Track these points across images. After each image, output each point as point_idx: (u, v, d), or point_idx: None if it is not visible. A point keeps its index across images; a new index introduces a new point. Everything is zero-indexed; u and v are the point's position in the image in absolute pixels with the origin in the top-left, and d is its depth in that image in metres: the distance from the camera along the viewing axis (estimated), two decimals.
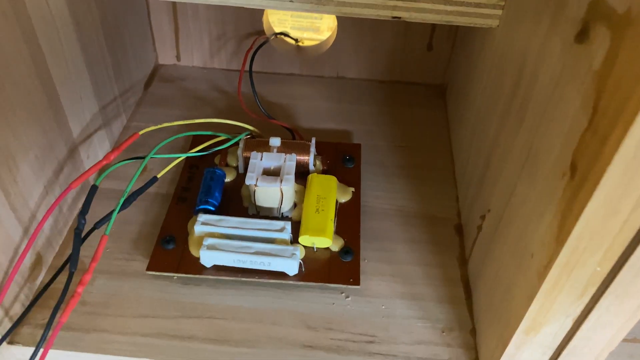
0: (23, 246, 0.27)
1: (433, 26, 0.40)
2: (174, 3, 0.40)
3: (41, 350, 0.25)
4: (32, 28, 0.26)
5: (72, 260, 0.27)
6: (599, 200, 0.17)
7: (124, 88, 0.38)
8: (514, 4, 0.26)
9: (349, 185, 0.34)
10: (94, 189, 0.28)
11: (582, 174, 0.17)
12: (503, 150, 0.26)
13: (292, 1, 0.28)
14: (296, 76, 0.43)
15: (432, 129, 0.39)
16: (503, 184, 0.26)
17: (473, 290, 0.30)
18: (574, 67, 0.19)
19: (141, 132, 0.31)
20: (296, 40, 0.42)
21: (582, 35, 0.18)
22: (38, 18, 0.27)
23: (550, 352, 0.23)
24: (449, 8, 0.27)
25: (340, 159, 0.35)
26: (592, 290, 0.20)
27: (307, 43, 0.43)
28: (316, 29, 0.44)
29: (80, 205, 0.33)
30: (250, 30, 0.41)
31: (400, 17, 0.28)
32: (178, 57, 0.43)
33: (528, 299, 0.21)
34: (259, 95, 0.37)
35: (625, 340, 0.28)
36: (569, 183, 0.18)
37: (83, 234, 0.28)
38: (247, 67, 0.38)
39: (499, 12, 0.28)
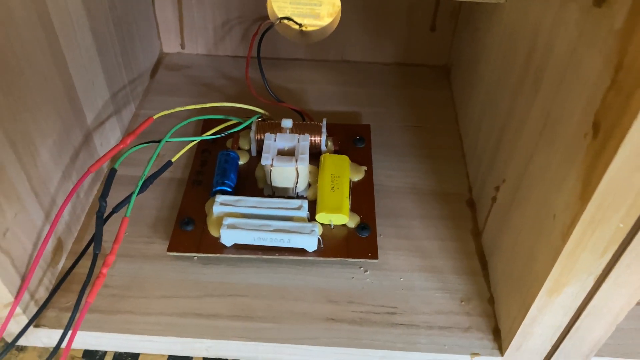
0: (45, 231, 0.27)
1: (436, 7, 0.40)
2: None
3: (69, 332, 0.25)
4: (48, 14, 0.27)
5: (96, 242, 0.27)
6: (624, 155, 0.17)
7: (132, 76, 0.38)
8: None
9: (361, 165, 0.34)
10: (113, 172, 0.29)
11: (605, 132, 0.18)
12: (518, 121, 0.27)
13: None
14: (301, 61, 0.44)
15: (439, 108, 0.40)
16: (519, 153, 0.26)
17: (488, 261, 0.30)
18: (593, 31, 0.19)
19: (155, 117, 0.32)
20: (300, 25, 0.42)
21: None
22: (53, 4, 0.27)
23: (571, 313, 0.24)
24: None
25: (351, 140, 0.36)
26: (614, 247, 0.21)
27: (310, 28, 0.43)
28: (316, 15, 0.45)
29: (94, 191, 0.33)
30: (255, 17, 0.42)
31: None
32: (182, 45, 0.43)
33: (552, 260, 0.22)
34: (266, 80, 0.37)
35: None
36: (591, 143, 0.19)
37: (104, 217, 0.28)
38: (254, 53, 0.38)
39: None
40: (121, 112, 0.36)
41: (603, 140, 0.18)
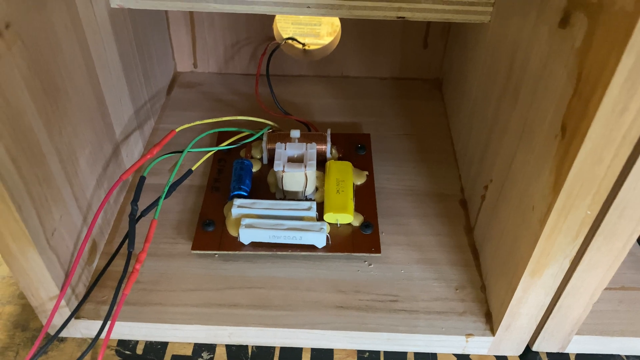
0: (84, 232, 0.31)
1: (427, 26, 0.44)
2: (192, 15, 0.44)
3: (109, 322, 0.28)
4: (84, 39, 0.30)
5: (130, 241, 0.30)
6: (586, 151, 0.21)
7: (152, 93, 0.41)
8: (503, 1, 0.30)
9: (363, 170, 0.38)
10: (142, 179, 0.32)
11: (571, 132, 0.22)
12: (501, 127, 0.30)
13: (309, 7, 0.32)
14: (305, 77, 0.47)
15: (432, 118, 0.44)
16: (503, 155, 0.30)
17: (480, 253, 0.34)
18: (559, 48, 0.23)
19: (177, 130, 0.35)
20: (303, 44, 0.46)
21: (565, 22, 0.22)
22: (89, 30, 0.30)
23: (552, 293, 0.27)
24: (447, 7, 0.32)
25: (353, 148, 0.39)
26: (584, 231, 0.24)
27: (312, 47, 0.47)
28: (316, 35, 0.48)
29: (122, 198, 0.37)
30: (262, 37, 0.45)
31: (404, 17, 0.32)
32: (195, 65, 0.47)
33: (532, 245, 0.25)
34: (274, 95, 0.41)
35: (614, 288, 0.32)
36: (560, 142, 0.22)
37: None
38: (262, 71, 0.42)
39: (490, 8, 0.32)
40: (143, 126, 0.40)
41: (569, 140, 0.22)
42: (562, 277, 0.26)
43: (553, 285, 0.27)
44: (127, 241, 0.31)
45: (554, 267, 0.26)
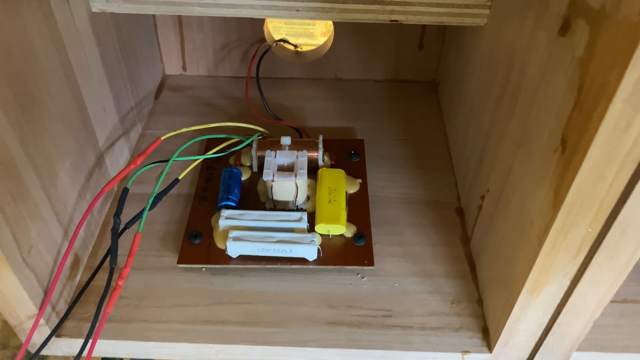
0: (64, 247, 0.30)
1: (423, 27, 0.43)
2: (180, 17, 0.42)
3: (90, 340, 0.27)
4: (63, 45, 0.29)
5: (112, 256, 0.29)
6: (587, 167, 0.20)
7: (138, 98, 0.40)
8: (500, 4, 0.29)
9: (356, 177, 0.36)
10: (126, 190, 0.31)
11: (571, 147, 0.20)
12: (498, 135, 0.29)
13: (298, 10, 0.30)
14: (297, 80, 0.46)
15: (428, 122, 0.42)
16: (500, 165, 0.28)
17: (476, 265, 0.32)
18: (559, 57, 0.22)
19: (163, 138, 0.34)
20: (295, 46, 0.44)
21: (565, 29, 0.21)
22: (68, 36, 0.29)
23: (551, 311, 0.26)
24: (441, 10, 0.30)
25: (346, 154, 0.38)
26: (585, 249, 0.23)
27: (305, 48, 0.45)
28: (310, 35, 0.47)
29: (106, 209, 0.35)
30: (253, 39, 0.44)
31: (397, 20, 0.31)
32: (184, 68, 0.46)
33: (530, 262, 0.24)
34: (264, 99, 0.40)
35: (616, 301, 0.31)
36: (560, 157, 0.21)
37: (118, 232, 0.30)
38: (252, 74, 0.41)
39: (487, 11, 0.31)
40: (129, 133, 0.39)
41: (570, 155, 0.20)
42: (562, 294, 0.25)
43: (552, 302, 0.26)
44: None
45: (553, 284, 0.25)
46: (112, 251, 0.29)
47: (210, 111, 0.43)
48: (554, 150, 0.22)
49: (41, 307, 0.27)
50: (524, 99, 0.26)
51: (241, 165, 0.37)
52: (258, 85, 0.40)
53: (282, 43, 0.44)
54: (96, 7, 0.31)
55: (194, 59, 0.45)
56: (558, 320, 0.27)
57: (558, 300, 0.26)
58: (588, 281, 0.24)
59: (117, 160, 0.37)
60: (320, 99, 0.44)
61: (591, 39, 0.19)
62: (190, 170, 0.36)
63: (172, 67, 0.46)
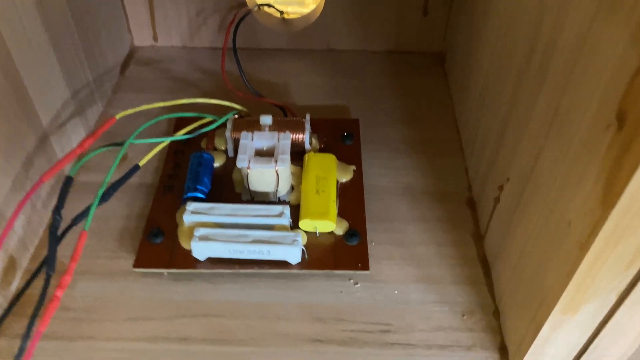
0: None
1: None
2: None
3: None
4: None
5: (48, 262, 0.24)
6: None
7: (98, 73, 0.35)
8: None
9: (349, 164, 0.31)
10: (68, 180, 0.26)
11: (633, 122, 0.15)
12: (522, 111, 0.23)
13: None
14: (283, 51, 0.40)
15: (434, 99, 0.37)
16: (525, 149, 0.23)
17: (492, 268, 0.27)
18: (614, 3, 0.16)
19: (118, 116, 0.28)
20: (281, 12, 0.39)
21: None
22: None
23: (589, 332, 0.21)
24: None
25: (338, 136, 0.33)
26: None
27: (293, 15, 0.40)
28: (301, 2, 0.41)
29: (53, 204, 0.30)
30: (233, 4, 0.38)
31: None
32: (155, 38, 0.40)
33: (566, 274, 0.19)
34: (245, 73, 0.34)
35: None
36: (615, 136, 0.16)
37: (59, 232, 0.25)
38: (230, 43, 0.35)
39: None
40: (85, 112, 0.33)
41: (631, 133, 0.15)
42: (605, 313, 0.20)
43: (591, 323, 0.20)
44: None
45: (595, 302, 0.19)
46: (49, 255, 0.24)
47: (184, 87, 0.38)
48: (604, 127, 0.16)
49: None
50: (556, 68, 0.20)
51: (215, 149, 0.32)
52: (235, 56, 0.34)
53: (265, 8, 0.38)
54: None
55: (166, 28, 0.40)
56: (594, 343, 0.22)
57: (599, 320, 0.20)
58: (636, 298, 0.19)
59: (70, 145, 0.31)
60: (309, 73, 0.39)
61: None
62: (155, 155, 0.30)
63: (142, 37, 0.40)
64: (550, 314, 0.20)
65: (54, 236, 0.24)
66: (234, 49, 0.34)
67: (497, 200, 0.26)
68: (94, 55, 0.34)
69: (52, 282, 0.24)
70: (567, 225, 0.19)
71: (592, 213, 0.17)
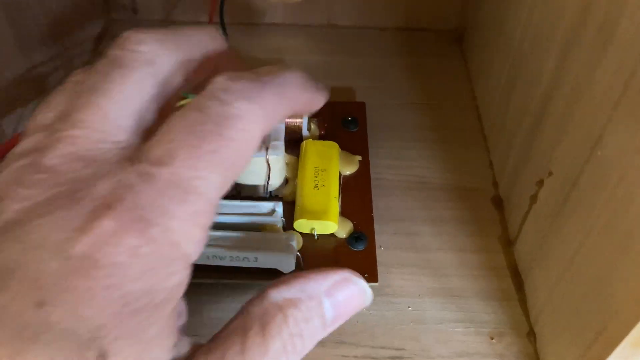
0: None
1: None
2: None
3: None
4: None
5: None
6: None
7: (65, 46, 0.30)
8: None
9: (354, 153, 0.27)
10: None
11: None
12: (572, 88, 0.19)
13: None
14: (280, 26, 0.36)
15: (450, 81, 0.33)
16: (575, 135, 0.19)
17: (525, 280, 0.23)
18: None
19: None
20: None
21: None
22: None
23: None
24: None
25: (341, 122, 0.29)
26: None
27: None
28: None
29: None
30: None
31: None
32: (135, 10, 0.36)
33: None
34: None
35: None
36: None
37: None
38: (217, 17, 0.31)
39: None
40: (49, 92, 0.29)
41: None
42: None
43: None
44: None
45: None
46: None
47: None
48: None
49: None
50: (625, 30, 0.16)
51: None
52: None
53: None
54: None
55: None
56: None
57: None
58: None
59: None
60: (308, 51, 0.35)
61: None
62: None
63: (119, 9, 0.36)
64: (618, 346, 0.16)
65: None
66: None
67: (534, 198, 0.22)
68: (61, 27, 0.30)
69: None
70: None
71: None
